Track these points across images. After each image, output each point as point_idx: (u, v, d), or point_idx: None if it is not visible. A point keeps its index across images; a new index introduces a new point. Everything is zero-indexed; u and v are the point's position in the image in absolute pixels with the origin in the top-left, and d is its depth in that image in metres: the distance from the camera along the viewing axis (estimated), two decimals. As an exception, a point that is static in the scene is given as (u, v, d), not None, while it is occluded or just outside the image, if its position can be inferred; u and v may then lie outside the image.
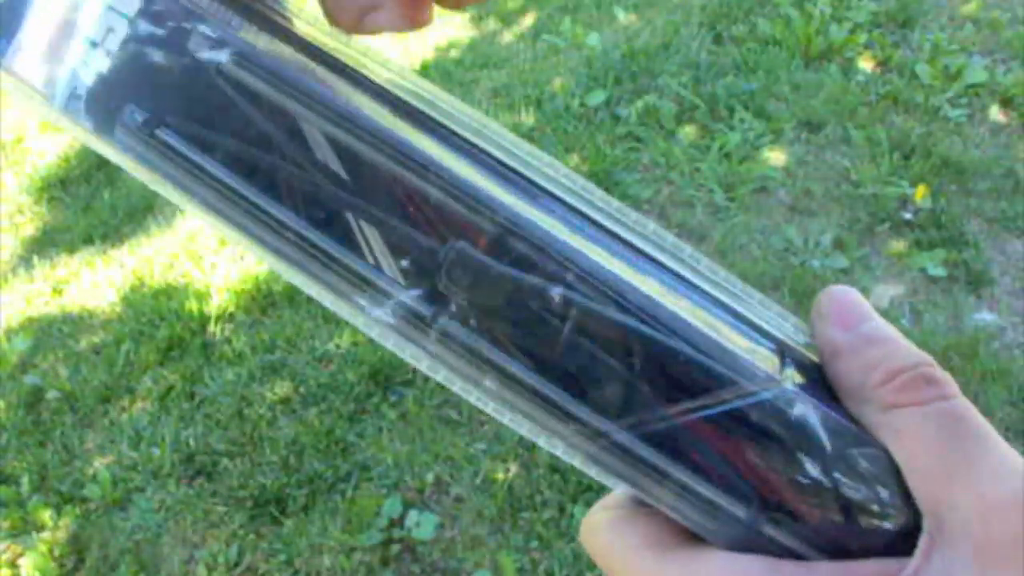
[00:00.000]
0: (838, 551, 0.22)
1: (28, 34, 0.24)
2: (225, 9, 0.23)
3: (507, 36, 2.52)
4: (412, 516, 1.42)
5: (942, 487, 0.20)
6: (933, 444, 0.20)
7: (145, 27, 0.23)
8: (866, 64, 2.12)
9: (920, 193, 1.80)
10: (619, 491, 0.24)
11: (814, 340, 0.23)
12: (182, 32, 0.23)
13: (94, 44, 0.23)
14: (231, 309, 1.84)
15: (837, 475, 0.21)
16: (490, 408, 0.23)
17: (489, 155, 0.23)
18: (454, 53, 2.50)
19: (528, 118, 2.13)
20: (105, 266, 2.05)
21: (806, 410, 0.21)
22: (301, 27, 0.24)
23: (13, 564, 1.49)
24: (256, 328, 1.79)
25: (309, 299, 1.81)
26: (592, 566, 1.33)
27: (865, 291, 1.65)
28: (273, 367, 1.70)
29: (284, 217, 0.23)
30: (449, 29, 2.61)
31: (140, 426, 1.66)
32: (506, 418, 0.23)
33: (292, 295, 1.83)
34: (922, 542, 0.20)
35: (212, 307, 1.84)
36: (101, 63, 0.23)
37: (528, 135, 2.07)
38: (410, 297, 0.22)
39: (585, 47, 2.31)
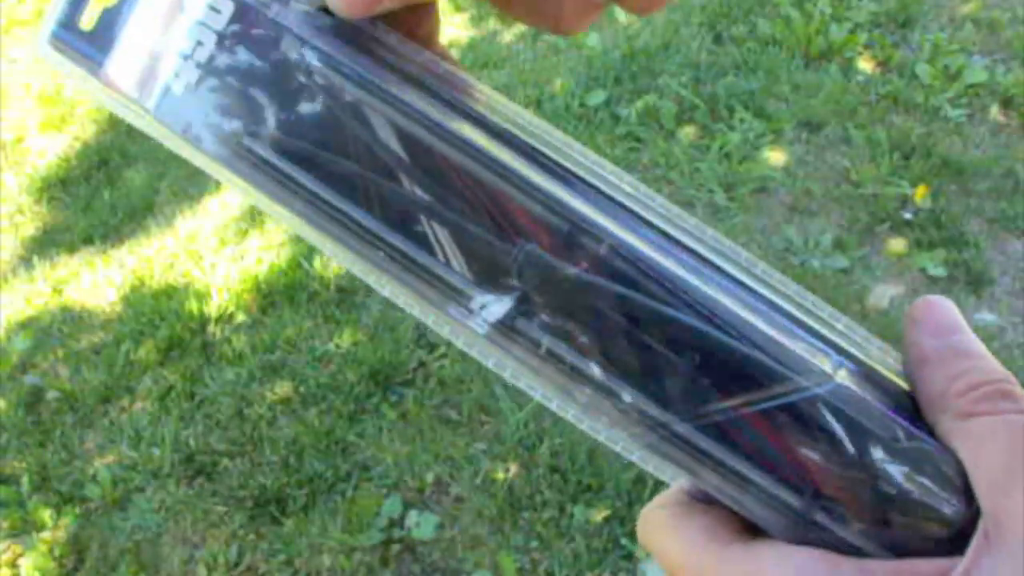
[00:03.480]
0: (894, 543, 0.22)
1: (124, 47, 0.26)
2: (312, 24, 0.24)
3: (507, 36, 2.52)
4: (412, 516, 1.42)
5: (1005, 493, 0.20)
6: (1002, 452, 0.21)
7: (233, 40, 0.24)
8: (866, 64, 2.12)
9: (920, 193, 1.80)
10: (674, 488, 0.25)
11: (903, 344, 0.25)
12: (269, 44, 0.24)
13: (185, 57, 0.25)
14: (231, 309, 1.84)
15: (887, 468, 0.22)
16: (554, 405, 0.24)
17: (559, 164, 0.25)
18: (454, 53, 2.50)
19: (528, 118, 2.13)
20: (105, 266, 2.05)
21: (856, 406, 0.22)
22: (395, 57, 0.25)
23: (13, 564, 1.49)
24: (256, 328, 1.79)
25: (309, 299, 1.81)
26: (592, 566, 1.33)
27: (865, 291, 1.66)
28: (273, 367, 1.70)
29: (368, 223, 0.24)
30: (449, 29, 2.61)
31: (140, 426, 1.66)
32: (569, 413, 0.24)
33: (292, 295, 1.83)
34: (975, 541, 0.21)
35: (212, 307, 1.84)
36: (192, 75, 0.25)
37: (528, 135, 2.07)
38: (488, 299, 0.24)
39: (585, 47, 2.32)
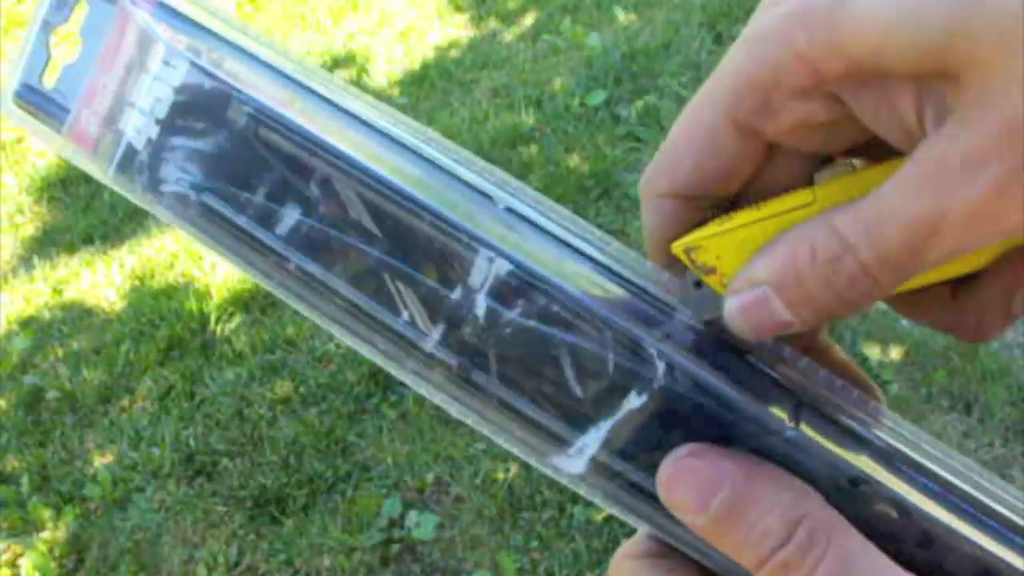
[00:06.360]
0: None
1: (84, 104, 0.26)
2: (264, 78, 0.25)
3: (507, 36, 2.52)
4: (412, 516, 1.42)
5: None
6: None
7: (187, 96, 0.25)
8: (866, 64, 2.12)
9: (920, 193, 1.80)
10: (640, 534, 0.24)
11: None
12: (222, 101, 0.24)
13: (143, 112, 0.25)
14: (231, 309, 1.84)
15: (844, 510, 0.22)
16: (516, 450, 0.24)
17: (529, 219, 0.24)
18: (454, 53, 2.50)
19: (528, 118, 2.13)
20: (105, 266, 2.05)
21: (813, 453, 0.22)
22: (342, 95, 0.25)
23: (13, 564, 1.49)
24: (256, 328, 1.79)
25: (309, 299, 1.81)
26: (592, 566, 1.33)
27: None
28: (273, 367, 1.70)
29: (324, 277, 0.24)
30: (449, 29, 2.61)
31: (140, 426, 1.66)
32: (533, 460, 0.24)
33: (292, 295, 1.83)
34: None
35: (212, 307, 1.84)
36: (151, 130, 0.25)
37: (528, 135, 2.07)
38: (438, 349, 0.23)
39: (585, 47, 2.31)
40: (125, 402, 1.73)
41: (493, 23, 2.59)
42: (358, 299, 0.24)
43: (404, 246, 0.23)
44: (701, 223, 0.22)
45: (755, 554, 0.20)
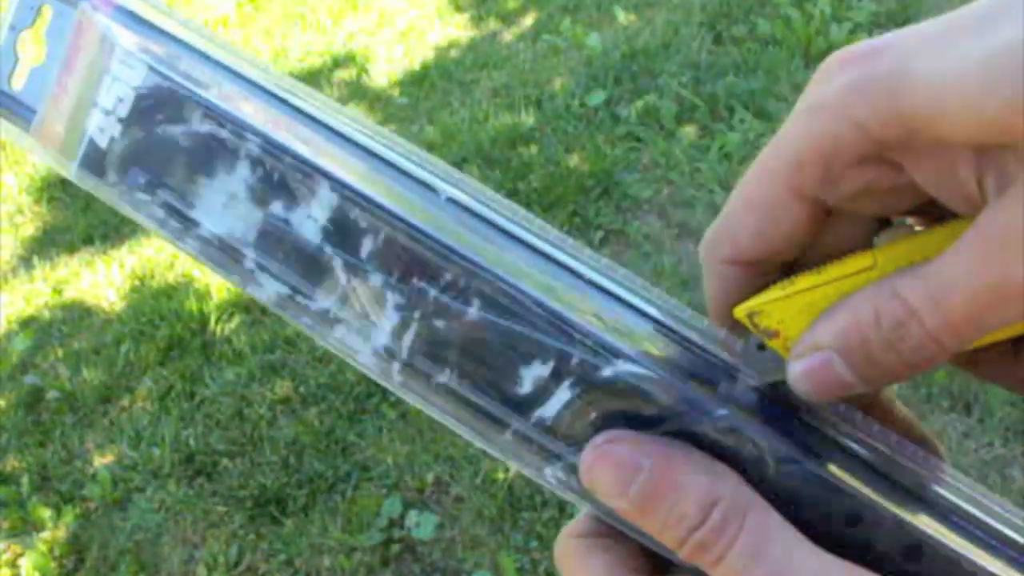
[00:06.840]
0: None
1: (51, 104, 0.27)
2: (217, 77, 0.26)
3: (507, 36, 2.52)
4: (412, 516, 1.43)
5: None
6: None
7: (147, 96, 0.26)
8: (866, 64, 2.12)
9: (920, 193, 1.80)
10: (583, 514, 0.25)
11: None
12: (178, 101, 0.25)
13: (107, 112, 0.26)
14: (231, 309, 1.84)
15: (785, 487, 0.22)
16: (467, 435, 0.25)
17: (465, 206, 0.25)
18: (454, 53, 2.50)
19: (528, 118, 2.13)
20: (105, 266, 2.05)
21: (742, 434, 0.22)
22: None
23: (13, 564, 1.49)
24: (256, 328, 1.79)
25: (309, 299, 1.81)
26: (592, 566, 1.33)
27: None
28: (273, 367, 1.70)
29: (274, 268, 0.25)
30: (449, 29, 2.61)
31: (140, 426, 1.66)
32: (480, 443, 0.25)
33: (292, 295, 1.83)
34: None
35: (212, 307, 1.84)
36: (114, 129, 0.26)
37: (528, 135, 2.07)
38: (391, 340, 0.24)
39: (585, 47, 2.32)
40: (125, 402, 1.73)
41: (493, 23, 2.59)
42: (316, 295, 0.25)
43: (354, 239, 0.24)
44: (762, 287, 0.23)
45: (674, 535, 0.21)
